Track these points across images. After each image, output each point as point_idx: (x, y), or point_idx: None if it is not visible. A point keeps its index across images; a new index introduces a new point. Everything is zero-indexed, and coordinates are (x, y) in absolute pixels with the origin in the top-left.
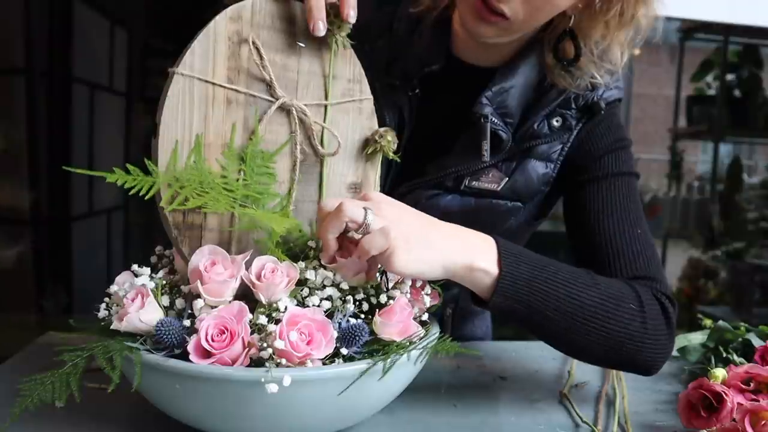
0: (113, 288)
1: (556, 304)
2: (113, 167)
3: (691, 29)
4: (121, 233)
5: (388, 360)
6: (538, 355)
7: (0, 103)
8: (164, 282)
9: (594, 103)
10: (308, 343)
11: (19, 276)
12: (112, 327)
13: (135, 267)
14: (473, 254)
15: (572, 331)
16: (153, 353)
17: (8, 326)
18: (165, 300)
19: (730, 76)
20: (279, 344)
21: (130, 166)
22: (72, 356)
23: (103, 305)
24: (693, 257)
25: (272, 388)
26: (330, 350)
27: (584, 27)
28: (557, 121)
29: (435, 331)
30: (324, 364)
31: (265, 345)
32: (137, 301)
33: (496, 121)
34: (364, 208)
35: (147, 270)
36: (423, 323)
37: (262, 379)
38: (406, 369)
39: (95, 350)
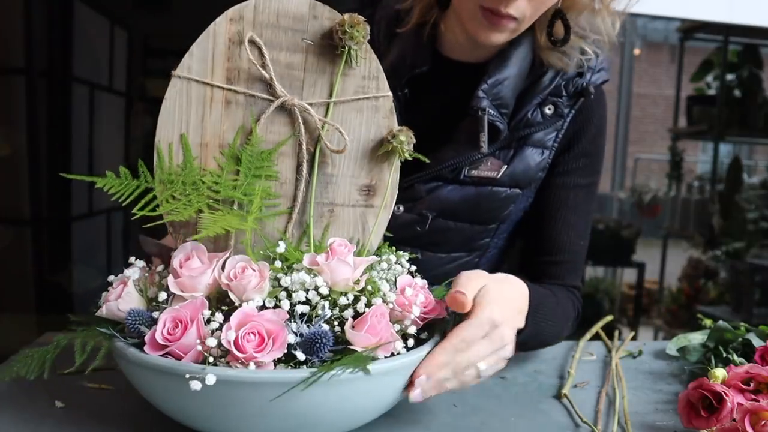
0: (112, 278)
1: (549, 336)
2: (109, 169)
3: (691, 29)
4: (121, 233)
5: (327, 373)
6: (538, 355)
7: (0, 103)
8: (149, 273)
9: (584, 89)
10: (257, 345)
11: (19, 276)
12: (96, 314)
13: (132, 259)
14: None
15: (552, 342)
16: (123, 341)
17: (8, 326)
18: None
19: (730, 76)
20: (211, 342)
21: (122, 169)
22: (60, 338)
23: (103, 295)
24: (693, 257)
25: (195, 385)
26: (279, 354)
27: (569, 4)
28: (549, 108)
29: (426, 347)
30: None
31: (214, 340)
32: (117, 290)
33: (492, 113)
34: (476, 367)
35: (141, 263)
36: (418, 337)
37: (187, 375)
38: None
39: (77, 335)
